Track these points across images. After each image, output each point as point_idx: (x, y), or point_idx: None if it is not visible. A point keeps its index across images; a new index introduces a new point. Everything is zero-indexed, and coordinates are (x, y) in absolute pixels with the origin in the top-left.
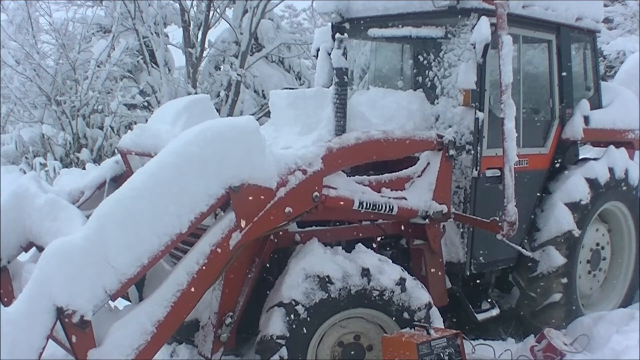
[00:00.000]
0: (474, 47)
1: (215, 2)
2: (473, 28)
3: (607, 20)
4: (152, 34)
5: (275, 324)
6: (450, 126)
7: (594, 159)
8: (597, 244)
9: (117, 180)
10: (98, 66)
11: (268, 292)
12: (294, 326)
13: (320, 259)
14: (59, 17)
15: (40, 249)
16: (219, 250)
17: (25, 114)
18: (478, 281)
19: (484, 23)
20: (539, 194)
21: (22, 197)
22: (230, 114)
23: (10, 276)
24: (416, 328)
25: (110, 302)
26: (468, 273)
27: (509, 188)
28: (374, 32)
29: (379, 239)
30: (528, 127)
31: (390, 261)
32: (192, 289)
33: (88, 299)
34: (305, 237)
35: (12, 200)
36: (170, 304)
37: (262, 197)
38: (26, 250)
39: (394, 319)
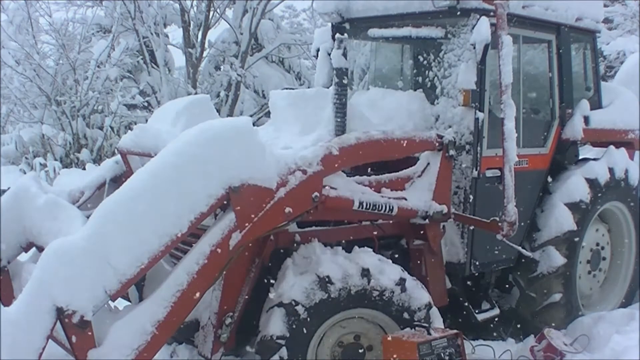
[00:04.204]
0: (474, 47)
1: (215, 2)
2: (473, 28)
3: (607, 21)
4: (152, 34)
5: (275, 324)
6: (450, 126)
7: (594, 159)
8: (597, 244)
9: (117, 181)
10: (98, 66)
11: (268, 292)
12: (294, 326)
13: (320, 259)
14: (59, 18)
15: (40, 249)
16: (218, 250)
17: (25, 114)
18: (478, 281)
19: (484, 23)
20: (539, 194)
21: (22, 197)
22: (230, 114)
23: (10, 276)
24: (416, 328)
25: (110, 302)
26: (468, 273)
27: (509, 188)
28: (374, 32)
29: (378, 239)
30: (528, 127)
31: (390, 261)
32: (192, 289)
33: (88, 299)
34: (305, 237)
35: (12, 200)
36: (170, 304)
37: (262, 197)
38: (26, 250)
39: (394, 319)
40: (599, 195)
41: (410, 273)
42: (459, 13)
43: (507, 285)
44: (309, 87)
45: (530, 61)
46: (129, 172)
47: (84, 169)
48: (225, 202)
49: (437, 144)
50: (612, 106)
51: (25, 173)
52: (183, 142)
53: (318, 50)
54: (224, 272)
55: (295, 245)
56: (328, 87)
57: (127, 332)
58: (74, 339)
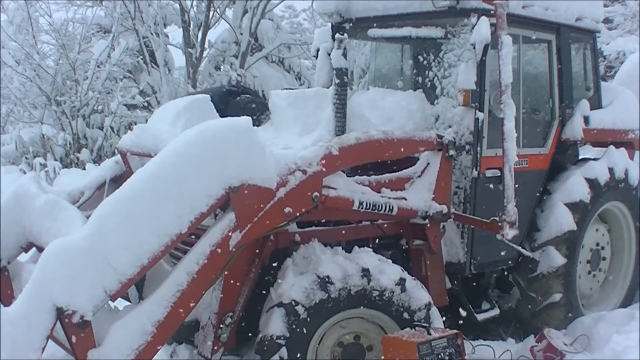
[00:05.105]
0: (474, 47)
1: (215, 2)
2: (473, 28)
3: (607, 21)
4: (152, 34)
5: (275, 324)
6: (450, 126)
7: (594, 159)
8: (597, 244)
9: (117, 181)
10: (98, 66)
11: (268, 292)
12: (294, 326)
13: (320, 259)
14: (59, 18)
15: (40, 249)
16: (219, 250)
17: (25, 114)
18: (478, 281)
19: (484, 23)
20: (539, 194)
21: (22, 197)
22: None
23: (10, 276)
24: (416, 328)
25: (110, 302)
26: (468, 273)
27: (509, 188)
28: (374, 32)
29: (378, 239)
30: (528, 127)
31: (390, 261)
32: (192, 289)
33: (88, 299)
34: (305, 237)
35: (12, 200)
36: (170, 304)
37: (262, 197)
38: (26, 250)
39: (394, 319)
40: (599, 195)
41: (410, 273)
42: (459, 13)
43: (507, 285)
44: (309, 87)
45: (530, 61)
46: (129, 172)
47: (84, 169)
48: (225, 202)
49: (437, 144)
50: (612, 106)
51: (25, 173)
52: (183, 142)
53: (318, 50)
54: (224, 272)
55: (295, 245)
56: (328, 87)
57: (127, 332)
58: (74, 339)
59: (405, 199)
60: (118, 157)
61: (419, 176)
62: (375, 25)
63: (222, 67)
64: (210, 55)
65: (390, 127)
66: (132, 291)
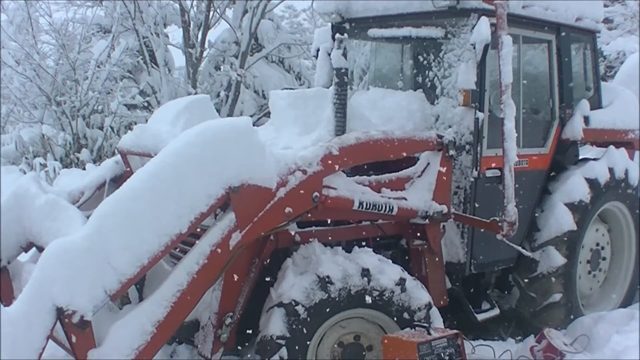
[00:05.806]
0: (474, 47)
1: (215, 2)
2: (473, 28)
3: (607, 21)
4: (152, 34)
5: (275, 324)
6: (450, 126)
7: (594, 159)
8: (597, 244)
9: (117, 181)
10: (98, 66)
11: (268, 292)
12: (294, 326)
13: (320, 259)
14: (59, 18)
15: (40, 249)
16: (219, 250)
17: (25, 114)
18: (478, 281)
19: (484, 23)
20: (539, 194)
21: (22, 197)
22: (230, 114)
23: (10, 276)
24: (416, 328)
25: (110, 302)
26: (468, 273)
27: (509, 188)
28: (374, 32)
29: (378, 239)
30: (528, 127)
31: (390, 261)
32: (192, 289)
33: (88, 299)
34: (305, 237)
35: (12, 200)
36: (170, 304)
37: (262, 197)
38: (26, 250)
39: (394, 319)
40: (599, 195)
41: (410, 273)
42: (459, 13)
43: (507, 285)
44: (309, 87)
45: (530, 61)
46: (129, 172)
47: (84, 169)
48: (225, 202)
49: (437, 144)
50: (612, 106)
51: (25, 173)
52: (183, 142)
53: (318, 50)
54: (224, 272)
55: (295, 245)
56: (328, 87)
57: (127, 332)
58: (74, 339)
59: (405, 199)
60: (118, 157)
61: (419, 176)
62: (375, 25)
63: (222, 67)
64: (210, 55)
65: (390, 127)
66: (132, 291)
